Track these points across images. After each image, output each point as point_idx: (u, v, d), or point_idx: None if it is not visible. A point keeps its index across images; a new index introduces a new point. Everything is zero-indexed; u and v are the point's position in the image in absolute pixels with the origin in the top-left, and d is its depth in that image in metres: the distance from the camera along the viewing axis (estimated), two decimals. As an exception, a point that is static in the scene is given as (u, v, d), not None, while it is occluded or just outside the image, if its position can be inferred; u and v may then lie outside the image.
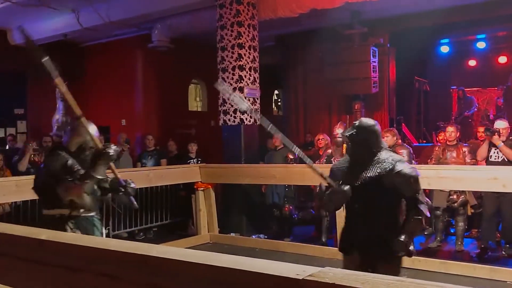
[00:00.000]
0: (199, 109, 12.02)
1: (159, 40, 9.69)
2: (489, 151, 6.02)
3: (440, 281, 4.24)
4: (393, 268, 3.15)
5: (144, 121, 10.58)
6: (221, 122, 7.63)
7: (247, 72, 7.40)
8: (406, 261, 5.72)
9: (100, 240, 2.11)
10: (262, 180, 7.01)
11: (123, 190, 3.78)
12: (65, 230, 3.51)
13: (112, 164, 3.75)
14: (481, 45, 12.29)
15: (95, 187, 3.75)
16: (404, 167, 3.11)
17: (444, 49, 12.59)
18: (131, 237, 7.39)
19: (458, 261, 5.66)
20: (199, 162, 7.69)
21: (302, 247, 6.51)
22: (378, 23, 9.33)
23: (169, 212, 7.72)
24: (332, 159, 6.71)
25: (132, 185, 3.83)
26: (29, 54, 3.29)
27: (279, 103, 14.17)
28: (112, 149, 3.62)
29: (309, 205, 7.89)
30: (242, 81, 7.36)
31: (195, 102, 12.13)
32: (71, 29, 9.61)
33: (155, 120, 10.60)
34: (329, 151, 6.86)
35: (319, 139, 7.36)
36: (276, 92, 14.24)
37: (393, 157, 3.17)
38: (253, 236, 7.26)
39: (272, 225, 7.59)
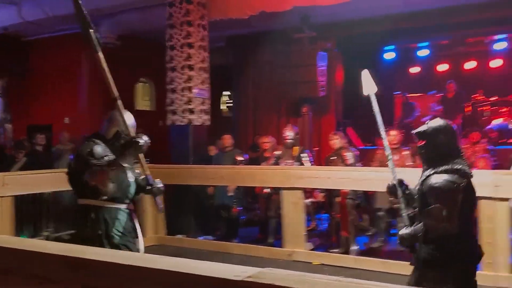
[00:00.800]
0: (147, 108, 11.81)
1: (106, 37, 9.43)
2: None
3: (381, 280, 4.34)
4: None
5: (88, 119, 10.26)
6: (169, 122, 7.52)
7: (196, 72, 7.35)
8: (349, 261, 5.91)
9: (34, 243, 2.01)
10: (211, 181, 6.97)
11: (149, 188, 3.69)
12: (88, 219, 3.47)
13: (142, 157, 3.64)
14: (423, 52, 12.82)
15: (130, 179, 3.65)
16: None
17: (389, 55, 13.02)
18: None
19: (398, 260, 5.84)
20: (147, 162, 7.53)
21: (250, 248, 6.52)
22: (326, 28, 9.52)
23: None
24: (280, 161, 6.78)
25: (160, 185, 3.74)
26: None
27: (229, 104, 14.16)
28: (143, 140, 3.44)
29: (256, 206, 7.92)
30: (191, 81, 7.30)
31: (143, 101, 11.90)
32: (12, 22, 9.18)
33: (100, 119, 10.28)
34: (277, 152, 6.92)
35: (264, 142, 7.43)
36: (226, 93, 14.23)
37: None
38: (201, 238, 7.20)
39: (220, 227, 7.56)
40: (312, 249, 6.44)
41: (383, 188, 5.98)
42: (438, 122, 3.09)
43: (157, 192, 3.76)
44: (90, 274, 1.52)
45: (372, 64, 13.16)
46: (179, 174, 6.91)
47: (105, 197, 3.50)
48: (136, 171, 3.79)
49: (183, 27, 7.25)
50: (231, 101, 13.35)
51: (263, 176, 6.43)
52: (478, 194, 5.14)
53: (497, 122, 10.69)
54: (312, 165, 6.88)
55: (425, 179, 2.94)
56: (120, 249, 3.46)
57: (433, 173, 2.91)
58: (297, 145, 7.01)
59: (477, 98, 11.61)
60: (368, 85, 3.42)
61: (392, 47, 12.71)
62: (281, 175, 6.20)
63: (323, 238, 7.00)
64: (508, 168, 5.63)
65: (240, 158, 7.00)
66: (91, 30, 3.17)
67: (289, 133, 6.91)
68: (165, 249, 6.83)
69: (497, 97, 11.48)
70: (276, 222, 6.75)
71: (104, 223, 3.51)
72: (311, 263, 6.02)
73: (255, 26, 9.00)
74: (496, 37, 11.72)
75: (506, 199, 4.98)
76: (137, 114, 11.62)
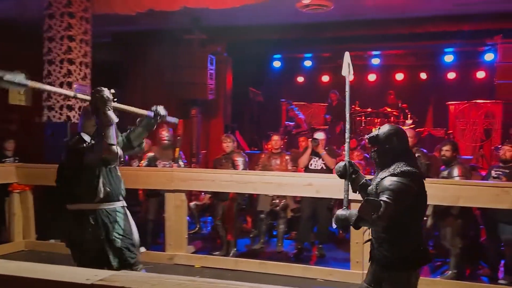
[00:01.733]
0: (22, 103, 10.89)
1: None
2: (309, 159, 6.58)
3: (259, 281, 4.44)
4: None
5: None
6: (45, 118, 7.01)
7: (77, 67, 6.95)
8: (230, 263, 5.98)
9: None
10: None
11: (158, 118, 3.79)
12: (87, 225, 3.41)
13: (125, 106, 3.66)
14: (307, 63, 13.51)
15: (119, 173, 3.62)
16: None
17: (277, 63, 13.51)
18: None
19: (277, 261, 6.04)
20: (16, 161, 6.94)
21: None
22: (217, 32, 9.60)
23: (-24, 217, 6.81)
24: (157, 162, 6.66)
25: (159, 109, 3.81)
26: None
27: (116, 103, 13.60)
28: (104, 91, 3.49)
29: (137, 209, 7.67)
30: (71, 75, 6.89)
31: (18, 95, 10.95)
32: None
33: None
34: (150, 154, 6.77)
35: None
36: (112, 91, 13.65)
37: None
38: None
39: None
40: (193, 252, 6.41)
41: (266, 191, 6.25)
42: (388, 127, 3.17)
43: (164, 113, 3.88)
44: None
45: (261, 71, 13.64)
46: (53, 175, 6.43)
47: (99, 198, 3.45)
48: None
49: (64, 18, 6.82)
50: (118, 99, 12.83)
51: (146, 178, 6.26)
52: (351, 198, 5.60)
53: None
54: (185, 166, 6.84)
55: (379, 181, 2.99)
56: (122, 252, 3.54)
57: (388, 175, 2.96)
58: (177, 146, 6.93)
59: (355, 108, 12.49)
60: (346, 68, 3.40)
61: (279, 56, 13.21)
62: (164, 177, 6.09)
63: (207, 241, 7.00)
64: None
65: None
66: None
67: (165, 134, 6.81)
68: (35, 255, 6.35)
69: (371, 109, 12.44)
70: (155, 226, 6.63)
71: (103, 227, 3.47)
72: (193, 266, 5.99)
73: (144, 24, 8.77)
74: (373, 52, 12.76)
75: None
76: (9, 108, 10.72)
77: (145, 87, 10.41)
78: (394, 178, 2.93)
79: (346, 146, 3.30)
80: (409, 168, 2.97)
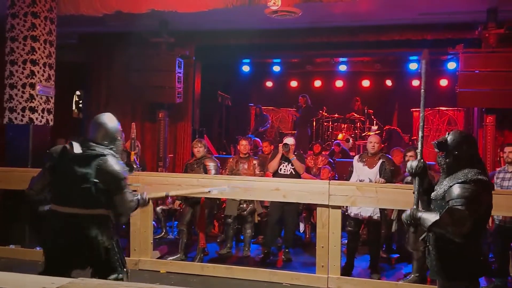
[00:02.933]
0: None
1: None
2: (279, 164, 6.60)
3: (225, 286, 4.39)
4: None
5: None
6: (6, 120, 6.80)
7: (40, 68, 6.76)
8: (196, 268, 5.93)
9: None
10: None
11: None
12: (103, 229, 3.41)
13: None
14: (276, 68, 13.60)
15: None
16: None
17: (246, 68, 13.55)
18: None
19: (243, 266, 6.04)
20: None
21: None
22: (185, 35, 9.54)
23: None
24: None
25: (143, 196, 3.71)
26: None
27: (81, 105, 13.31)
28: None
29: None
30: (34, 76, 6.70)
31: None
32: None
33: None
34: None
35: None
36: (77, 93, 13.36)
37: None
38: (38, 248, 6.59)
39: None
40: (159, 257, 6.33)
41: (233, 196, 6.23)
42: (458, 133, 3.10)
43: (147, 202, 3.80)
44: None
45: (230, 75, 13.65)
46: (14, 178, 6.26)
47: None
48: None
49: (27, 18, 6.63)
50: (83, 101, 12.57)
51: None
52: (314, 202, 5.66)
53: (340, 137, 11.74)
54: (137, 169, 6.75)
55: (448, 188, 2.91)
56: (121, 251, 3.61)
57: (459, 182, 2.88)
58: (132, 150, 6.83)
59: (322, 114, 12.66)
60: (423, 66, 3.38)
61: (248, 60, 13.26)
62: (129, 181, 5.98)
63: (173, 246, 6.93)
64: (347, 179, 6.18)
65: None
66: None
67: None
68: (-7, 261, 6.14)
69: (337, 115, 12.63)
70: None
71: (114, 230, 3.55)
72: (159, 271, 5.92)
73: (111, 26, 8.63)
74: (340, 59, 12.96)
75: (339, 207, 5.47)
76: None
77: (111, 89, 10.24)
78: (467, 186, 2.85)
79: (420, 144, 3.15)
80: (481, 176, 2.91)
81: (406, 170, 3.17)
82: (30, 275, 1.29)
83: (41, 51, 6.78)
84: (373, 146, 5.99)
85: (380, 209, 5.82)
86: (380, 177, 5.79)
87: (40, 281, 1.22)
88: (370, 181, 5.79)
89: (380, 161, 5.90)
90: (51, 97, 7.05)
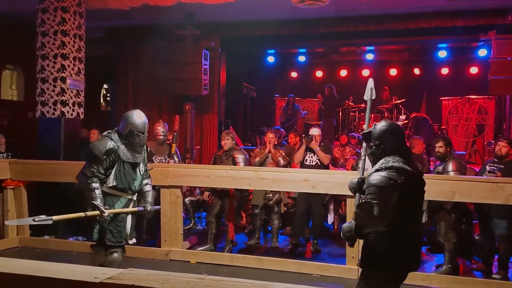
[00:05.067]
0: (14, 98, 10.81)
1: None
2: (304, 155, 6.58)
3: (255, 276, 4.44)
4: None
5: None
6: (38, 113, 6.96)
7: (70, 62, 6.88)
8: (226, 259, 5.98)
9: None
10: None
11: (147, 214, 4.45)
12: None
13: (119, 210, 4.28)
14: (301, 58, 13.49)
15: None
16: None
17: (270, 59, 13.49)
18: None
19: (272, 256, 6.05)
20: (9, 157, 6.89)
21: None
22: (210, 27, 9.55)
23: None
24: (154, 158, 6.63)
25: (148, 207, 4.42)
26: None
27: (108, 98, 13.53)
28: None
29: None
30: (65, 70, 6.83)
31: (10, 90, 10.87)
32: None
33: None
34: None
35: None
36: (105, 86, 13.57)
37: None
38: (71, 239, 6.76)
39: (93, 226, 7.16)
40: (189, 248, 6.40)
41: (261, 187, 6.24)
42: (381, 123, 3.12)
43: (152, 212, 4.51)
44: None
45: (255, 67, 13.62)
46: (47, 171, 6.41)
47: (108, 186, 4.29)
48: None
49: (57, 13, 6.75)
50: (110, 94, 12.77)
51: (141, 174, 6.22)
52: (343, 193, 5.61)
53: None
54: (179, 162, 6.81)
55: (367, 177, 2.94)
56: (105, 232, 4.30)
57: (374, 171, 2.91)
58: (174, 142, 6.91)
59: (349, 104, 12.52)
60: (369, 93, 3.67)
61: (273, 51, 13.19)
62: (159, 173, 6.06)
63: (201, 237, 6.99)
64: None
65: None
66: None
67: (161, 129, 6.79)
68: (29, 251, 6.31)
69: (364, 104, 12.46)
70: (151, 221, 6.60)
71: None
72: (189, 262, 5.99)
73: (137, 19, 8.70)
74: (367, 48, 12.78)
75: (369, 198, 5.41)
76: (1, 104, 10.65)
77: (138, 82, 10.35)
78: (380, 173, 2.86)
79: (361, 163, 3.28)
80: (397, 164, 2.88)
81: (350, 186, 3.21)
82: (81, 266, 1.32)
83: (71, 45, 6.89)
84: None
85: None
86: None
87: (91, 271, 1.24)
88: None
89: (410, 153, 5.79)
90: (81, 91, 7.17)
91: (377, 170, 2.89)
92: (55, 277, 1.27)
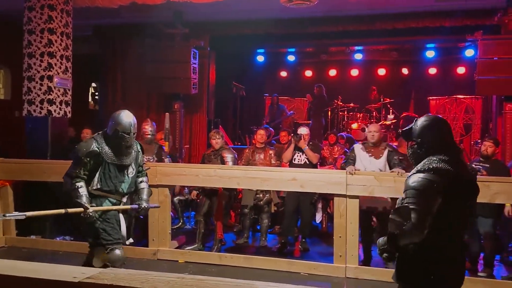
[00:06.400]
0: (1, 97, 10.69)
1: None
2: (293, 154, 6.59)
3: (243, 275, 4.44)
4: None
5: None
6: (25, 112, 6.89)
7: (57, 60, 6.83)
8: (214, 258, 5.97)
9: None
10: (71, 177, 6.54)
11: (141, 211, 4.43)
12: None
13: (109, 207, 4.23)
14: (291, 58, 13.51)
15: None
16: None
17: (260, 58, 13.49)
18: None
19: (261, 255, 6.06)
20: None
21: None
22: (199, 26, 9.52)
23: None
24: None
25: (143, 204, 4.40)
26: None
27: (96, 97, 13.43)
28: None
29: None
30: (52, 69, 6.77)
31: (-4, 89, 10.74)
32: None
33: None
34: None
35: None
36: (93, 84, 13.47)
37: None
38: (58, 238, 6.71)
39: (79, 226, 7.11)
40: (177, 247, 6.39)
41: (250, 186, 6.25)
42: (422, 118, 2.75)
43: (147, 209, 4.49)
44: None
45: (244, 66, 13.61)
46: (34, 170, 6.36)
47: (94, 187, 4.25)
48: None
49: (44, 11, 6.69)
50: (99, 93, 12.67)
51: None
52: (331, 191, 5.62)
53: (354, 127, 11.66)
54: (169, 161, 6.79)
55: (406, 179, 2.60)
56: (98, 232, 4.25)
57: (415, 172, 2.56)
58: (167, 140, 6.89)
59: (337, 103, 12.56)
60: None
61: (263, 50, 13.19)
62: (147, 172, 6.02)
63: (190, 236, 6.98)
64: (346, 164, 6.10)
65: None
66: None
67: (148, 128, 6.76)
68: (16, 251, 6.27)
69: (353, 104, 12.53)
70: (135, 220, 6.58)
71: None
72: (177, 261, 5.97)
73: (126, 17, 8.65)
74: (356, 48, 12.83)
75: (356, 197, 5.44)
76: (-13, 103, 10.40)
77: (126, 81, 10.29)
78: (420, 174, 2.50)
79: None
80: (440, 164, 2.51)
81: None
82: (60, 266, 1.31)
83: (58, 43, 6.83)
84: (373, 136, 5.88)
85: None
86: (391, 167, 5.72)
87: (71, 271, 1.23)
88: (381, 171, 5.72)
89: (386, 150, 5.83)
90: (69, 89, 7.11)
91: (418, 171, 2.54)
92: (34, 277, 1.26)
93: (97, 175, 4.17)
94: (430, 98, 11.53)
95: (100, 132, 4.34)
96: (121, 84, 10.34)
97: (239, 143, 11.92)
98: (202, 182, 6.10)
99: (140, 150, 4.48)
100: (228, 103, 12.90)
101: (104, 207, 4.21)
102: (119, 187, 4.27)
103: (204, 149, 9.57)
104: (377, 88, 12.53)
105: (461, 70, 12.35)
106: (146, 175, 4.62)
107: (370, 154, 5.86)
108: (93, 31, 10.13)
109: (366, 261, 5.86)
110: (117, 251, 4.21)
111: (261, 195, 6.81)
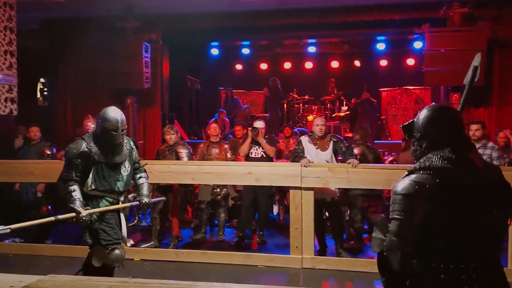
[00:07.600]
0: None
1: None
2: (250, 148, 6.60)
3: (201, 271, 4.41)
4: None
5: None
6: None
7: (1, 56, 6.51)
8: (170, 255, 5.92)
9: None
10: (18, 178, 6.31)
11: (143, 207, 4.37)
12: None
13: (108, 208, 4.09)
14: (245, 51, 13.50)
15: None
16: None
17: (214, 51, 13.40)
18: None
19: (218, 250, 6.05)
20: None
21: (64, 249, 6.07)
22: (151, 19, 9.33)
23: None
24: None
25: (144, 200, 4.30)
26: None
27: (46, 93, 12.95)
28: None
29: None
30: (-6, 65, 6.46)
31: None
32: None
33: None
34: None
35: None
36: (42, 80, 12.97)
37: None
38: (7, 241, 6.46)
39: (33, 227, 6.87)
40: (133, 245, 6.28)
41: (206, 181, 6.21)
42: (424, 110, 2.28)
43: (150, 204, 4.42)
44: None
45: (198, 59, 13.48)
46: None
47: (89, 188, 4.11)
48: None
49: (-15, 4, 6.37)
50: (47, 89, 12.22)
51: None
52: (287, 184, 5.69)
53: (310, 118, 11.81)
54: None
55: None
56: (97, 233, 4.12)
57: (405, 175, 2.12)
58: None
59: (293, 96, 12.68)
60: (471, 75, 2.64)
61: (217, 43, 13.11)
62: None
63: (146, 234, 6.89)
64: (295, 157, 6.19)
65: (48, 152, 6.45)
66: None
67: (91, 125, 6.59)
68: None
69: (308, 96, 12.68)
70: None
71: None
72: (133, 259, 5.88)
73: (74, 10, 8.37)
74: (309, 40, 12.96)
75: (311, 189, 5.52)
76: None
77: (77, 76, 9.97)
78: (410, 176, 2.08)
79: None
80: (440, 162, 2.07)
81: None
82: (-3, 274, 1.26)
83: (1, 38, 6.51)
84: (321, 129, 6.01)
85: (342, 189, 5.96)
86: (339, 155, 5.89)
87: (7, 280, 1.18)
88: (327, 163, 5.83)
89: (332, 142, 5.96)
90: (14, 86, 6.81)
91: (408, 173, 2.11)
92: (-31, 288, 1.20)
93: (91, 175, 4.06)
94: (382, 89, 11.82)
95: (90, 132, 4.27)
96: (71, 79, 10.01)
97: (196, 138, 11.83)
98: (156, 179, 6.00)
99: (134, 147, 4.34)
100: (183, 97, 12.77)
101: (101, 208, 4.06)
102: (114, 186, 4.14)
103: (159, 144, 9.43)
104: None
105: (410, 61, 12.71)
106: (145, 171, 4.48)
107: (317, 147, 5.96)
108: (40, 25, 9.75)
109: (321, 251, 5.97)
110: (117, 251, 4.13)
111: (218, 190, 6.79)
